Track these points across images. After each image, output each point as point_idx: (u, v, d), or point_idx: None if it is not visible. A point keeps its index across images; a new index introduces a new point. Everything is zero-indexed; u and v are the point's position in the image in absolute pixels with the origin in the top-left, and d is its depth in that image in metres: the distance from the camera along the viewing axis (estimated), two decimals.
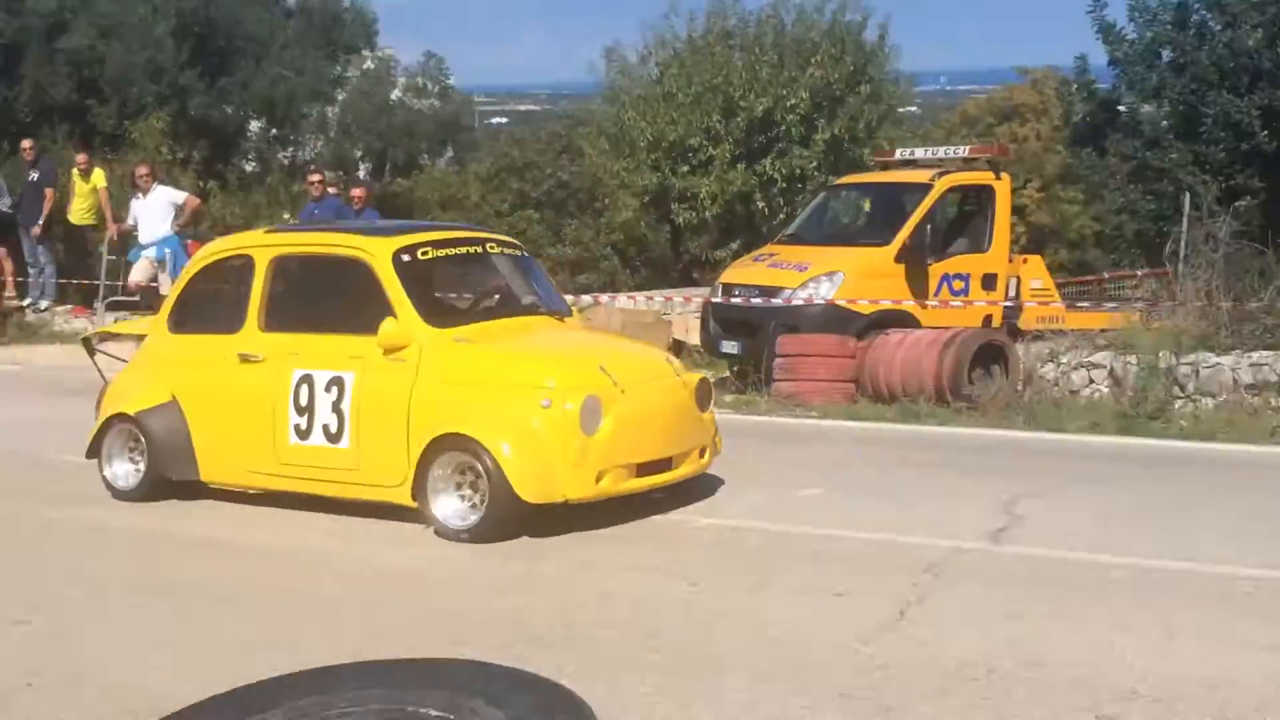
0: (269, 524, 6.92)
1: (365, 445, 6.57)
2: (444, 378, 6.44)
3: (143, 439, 7.23)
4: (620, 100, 20.37)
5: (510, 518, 6.22)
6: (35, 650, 4.96)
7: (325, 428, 6.69)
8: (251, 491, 7.14)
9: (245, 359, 6.98)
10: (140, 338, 8.03)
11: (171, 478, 7.23)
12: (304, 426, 6.76)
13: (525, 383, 6.35)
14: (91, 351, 8.32)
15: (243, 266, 7.26)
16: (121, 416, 7.34)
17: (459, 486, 6.31)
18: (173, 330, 7.50)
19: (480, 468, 6.18)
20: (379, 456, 6.53)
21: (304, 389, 6.75)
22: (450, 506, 6.30)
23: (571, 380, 6.35)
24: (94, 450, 7.44)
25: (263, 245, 7.33)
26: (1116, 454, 8.53)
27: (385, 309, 6.57)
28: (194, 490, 7.26)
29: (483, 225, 13.61)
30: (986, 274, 12.70)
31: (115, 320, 12.46)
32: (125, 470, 7.37)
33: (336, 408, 6.64)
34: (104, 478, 7.38)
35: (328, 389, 6.67)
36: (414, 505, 6.39)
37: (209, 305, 7.65)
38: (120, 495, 7.35)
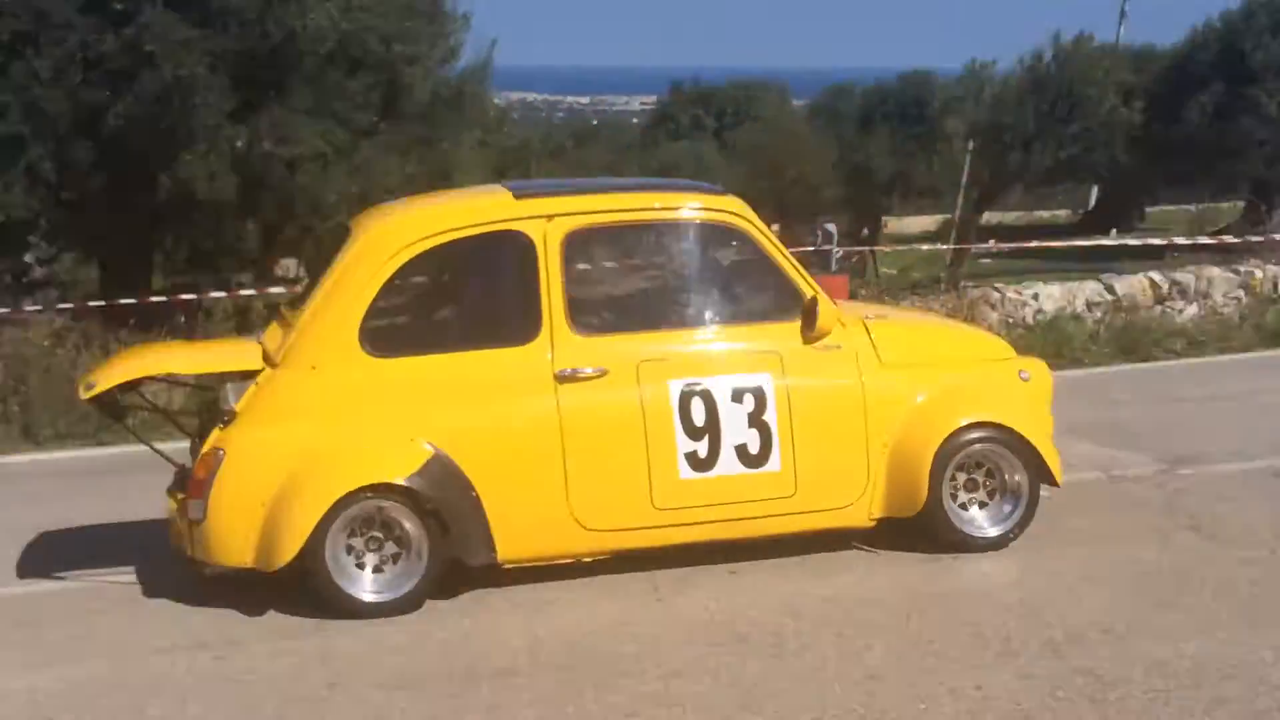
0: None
1: (805, 462, 5.28)
2: (894, 362, 5.46)
3: (413, 519, 4.86)
4: None
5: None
6: None
7: (741, 450, 5.21)
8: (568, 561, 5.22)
9: (570, 377, 5.11)
10: (242, 375, 5.04)
11: (470, 563, 5.00)
12: (704, 454, 5.19)
13: (992, 356, 5.76)
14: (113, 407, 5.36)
15: (504, 249, 5.17)
16: (373, 489, 4.83)
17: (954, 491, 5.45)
18: (375, 353, 5.02)
19: (1010, 458, 5.43)
20: (826, 473, 5.34)
21: (696, 404, 5.17)
22: (974, 511, 5.48)
23: (1010, 350, 5.90)
24: (310, 553, 4.75)
25: (537, 216, 5.19)
26: None
27: (778, 286, 5.39)
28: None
29: None
30: None
31: None
32: (363, 574, 4.92)
33: (757, 421, 5.21)
34: (337, 592, 4.84)
35: (737, 399, 5.20)
36: (868, 525, 5.48)
37: (436, 310, 5.47)
38: (365, 612, 4.87)
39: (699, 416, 5.21)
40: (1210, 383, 9.44)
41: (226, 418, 5.04)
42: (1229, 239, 15.15)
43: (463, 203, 5.85)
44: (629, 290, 5.65)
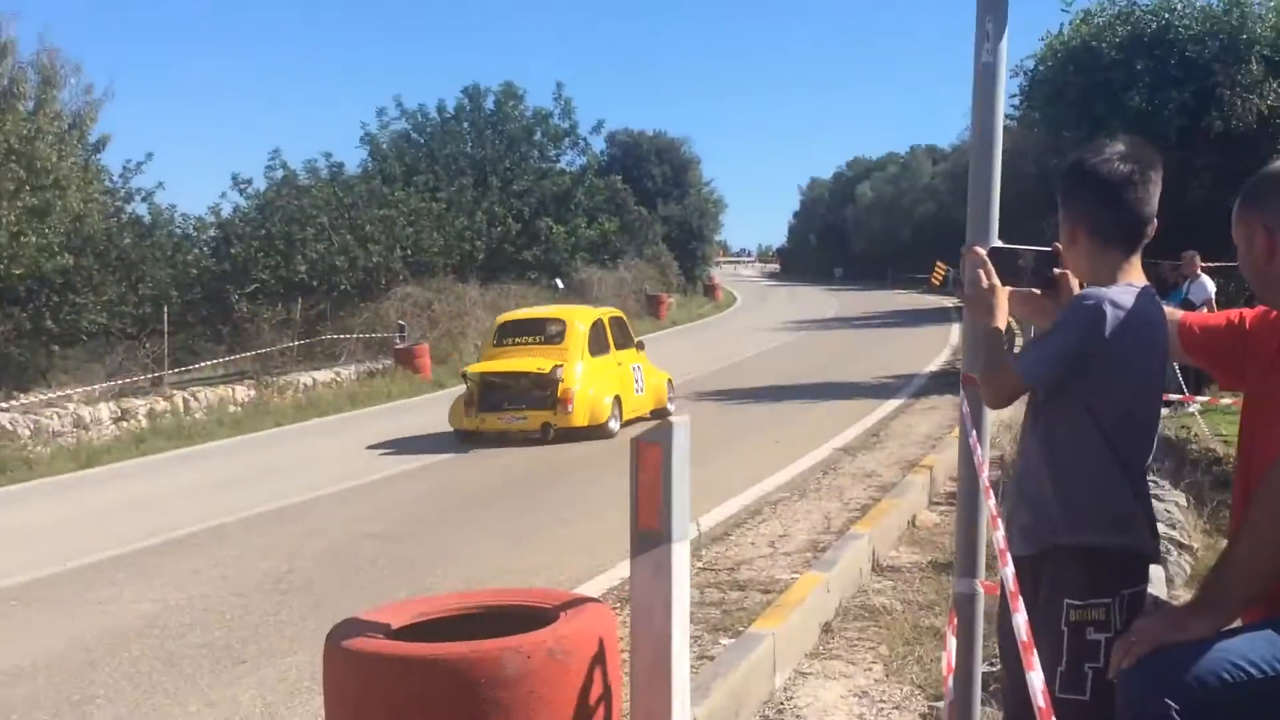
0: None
1: (646, 390, 16.52)
2: (649, 362, 17.26)
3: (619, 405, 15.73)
4: None
5: None
6: None
7: (638, 385, 16.33)
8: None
9: (619, 364, 16.17)
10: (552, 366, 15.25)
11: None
12: (635, 387, 16.27)
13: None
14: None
15: (600, 325, 16.38)
16: (612, 396, 15.57)
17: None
18: (593, 355, 15.80)
19: (671, 388, 17.78)
20: (649, 394, 16.62)
21: (634, 370, 16.42)
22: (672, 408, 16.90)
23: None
24: (610, 418, 15.42)
25: (604, 315, 17.05)
26: None
27: (630, 338, 17.01)
28: None
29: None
30: None
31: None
32: (613, 424, 15.31)
33: (639, 374, 16.46)
34: (609, 431, 15.20)
35: (637, 369, 16.50)
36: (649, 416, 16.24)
37: (597, 341, 16.06)
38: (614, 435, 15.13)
39: (634, 373, 16.35)
40: None
41: (563, 377, 14.93)
42: None
43: (592, 308, 18.15)
44: (614, 337, 16.76)
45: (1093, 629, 2.76)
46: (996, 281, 3.13)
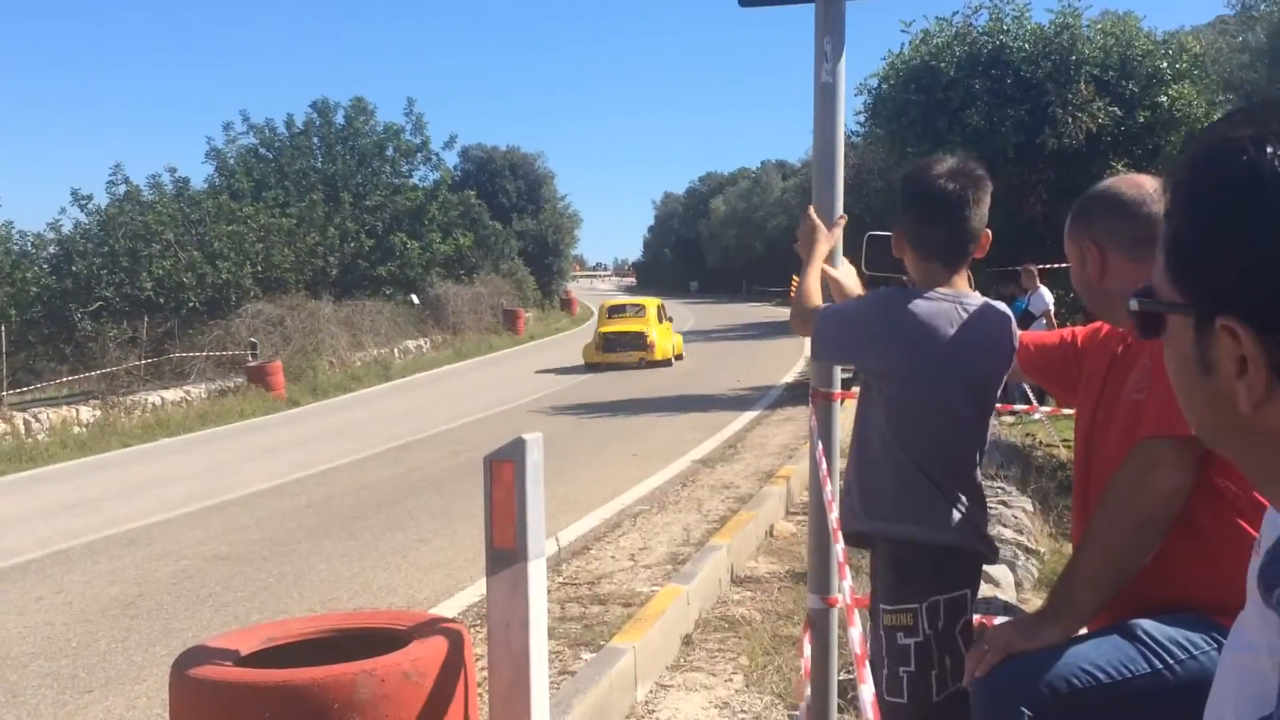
0: None
1: (677, 346, 29.44)
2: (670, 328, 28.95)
3: (674, 350, 29.07)
4: None
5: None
6: None
7: (674, 342, 28.95)
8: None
9: (667, 329, 28.82)
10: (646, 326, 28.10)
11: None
12: (673, 342, 28.83)
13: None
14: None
15: (659, 306, 29.21)
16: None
17: None
18: (659, 323, 28.75)
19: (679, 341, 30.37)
20: (677, 349, 29.24)
21: (674, 334, 29.94)
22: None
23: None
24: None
25: (657, 302, 30.19)
26: None
27: (666, 315, 29.74)
28: None
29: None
30: None
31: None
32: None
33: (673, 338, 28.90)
34: (671, 362, 27.94)
35: (674, 335, 29.88)
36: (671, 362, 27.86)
37: (660, 316, 28.91)
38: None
39: (672, 335, 29.40)
40: None
41: (649, 333, 27.27)
42: None
43: (654, 298, 32.46)
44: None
45: (902, 634, 2.81)
46: (822, 226, 3.30)
